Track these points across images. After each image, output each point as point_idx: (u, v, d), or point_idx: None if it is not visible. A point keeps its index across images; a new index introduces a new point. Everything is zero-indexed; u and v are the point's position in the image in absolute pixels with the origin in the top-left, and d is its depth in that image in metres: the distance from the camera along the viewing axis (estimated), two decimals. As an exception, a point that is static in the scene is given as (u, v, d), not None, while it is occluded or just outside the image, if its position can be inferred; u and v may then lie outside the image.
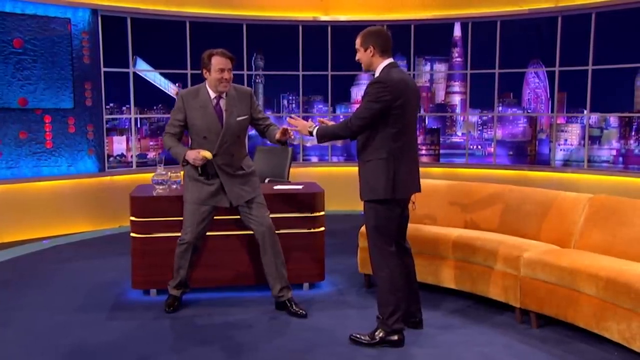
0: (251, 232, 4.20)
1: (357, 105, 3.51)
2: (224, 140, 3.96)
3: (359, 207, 3.75)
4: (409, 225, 3.80)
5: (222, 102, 3.99)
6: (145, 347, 3.58)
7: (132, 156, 7.81)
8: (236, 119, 4.01)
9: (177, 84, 8.35)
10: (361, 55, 3.52)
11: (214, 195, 4.02)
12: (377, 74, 3.47)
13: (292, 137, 3.99)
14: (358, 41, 3.52)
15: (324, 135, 3.58)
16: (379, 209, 3.47)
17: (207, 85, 3.99)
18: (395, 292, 3.50)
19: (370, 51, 3.46)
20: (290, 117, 3.79)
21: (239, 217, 4.17)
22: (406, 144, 3.45)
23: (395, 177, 3.41)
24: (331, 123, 3.72)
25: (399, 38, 8.42)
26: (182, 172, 4.79)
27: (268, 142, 4.26)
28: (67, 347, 3.58)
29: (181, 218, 4.20)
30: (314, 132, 3.59)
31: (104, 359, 3.43)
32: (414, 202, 3.70)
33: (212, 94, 3.97)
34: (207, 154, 3.87)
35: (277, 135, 3.97)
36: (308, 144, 9.26)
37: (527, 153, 8.78)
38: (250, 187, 4.08)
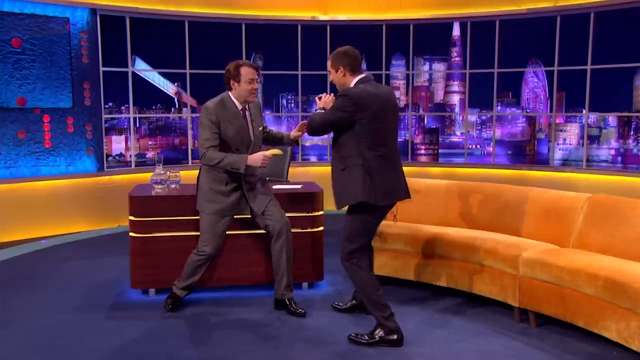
0: (254, 232, 4.20)
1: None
2: (253, 151, 3.98)
3: (358, 206, 3.75)
4: (408, 225, 3.83)
5: (248, 114, 4.03)
6: (144, 346, 3.58)
7: (130, 156, 7.81)
8: (259, 129, 4.08)
9: (176, 84, 8.35)
10: (333, 77, 3.65)
11: (236, 205, 4.03)
12: None
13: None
14: (328, 64, 3.67)
15: (316, 115, 3.68)
16: (363, 218, 3.53)
17: (232, 97, 3.97)
18: (376, 290, 3.55)
19: (341, 72, 3.59)
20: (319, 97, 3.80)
21: (241, 217, 4.17)
22: (385, 154, 3.52)
23: (372, 183, 3.47)
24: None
25: (398, 37, 8.42)
26: (180, 172, 4.80)
27: (267, 145, 4.29)
28: (65, 346, 3.58)
29: (180, 217, 4.20)
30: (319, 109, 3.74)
31: (102, 359, 3.43)
32: (395, 215, 3.77)
33: (239, 106, 3.98)
34: (276, 151, 3.90)
35: (295, 132, 4.06)
36: (307, 144, 9.26)
37: (526, 152, 8.79)
38: (266, 192, 4.14)
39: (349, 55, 3.60)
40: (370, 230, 3.63)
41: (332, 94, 3.76)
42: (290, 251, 4.11)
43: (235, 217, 4.15)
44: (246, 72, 3.90)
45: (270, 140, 4.26)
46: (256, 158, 3.83)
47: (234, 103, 3.97)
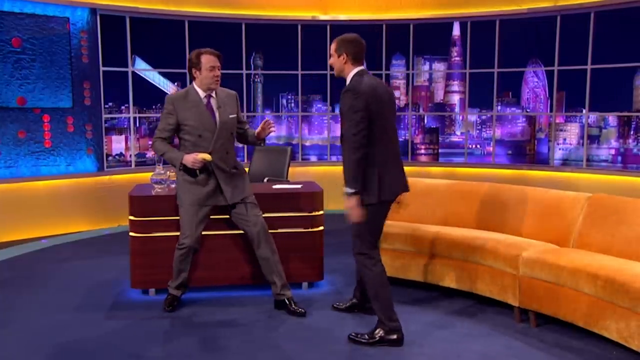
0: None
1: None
2: (219, 137, 4.00)
3: (357, 206, 3.76)
4: (408, 224, 3.84)
5: (213, 101, 4.03)
6: (143, 346, 3.58)
7: (130, 155, 7.80)
8: (229, 116, 4.06)
9: (176, 83, 8.35)
10: (334, 61, 3.60)
11: (212, 195, 4.04)
12: (347, 81, 3.55)
13: (274, 129, 4.11)
14: (333, 46, 3.60)
15: (351, 178, 3.39)
16: (370, 213, 3.49)
17: (195, 86, 4.01)
18: (386, 287, 3.55)
19: (344, 58, 3.55)
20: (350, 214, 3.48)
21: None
22: (387, 148, 3.51)
23: (381, 181, 3.46)
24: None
25: (398, 37, 8.42)
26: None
27: (242, 145, 4.30)
28: (65, 346, 3.58)
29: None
30: (348, 191, 3.39)
31: (102, 358, 3.43)
32: (398, 202, 3.72)
33: (202, 94, 4.00)
34: (207, 156, 3.88)
35: (258, 130, 4.09)
36: (307, 143, 9.25)
37: (526, 152, 8.79)
38: (244, 186, 4.13)
39: (355, 44, 3.55)
40: (379, 224, 3.58)
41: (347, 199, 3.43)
42: (275, 252, 4.12)
43: (225, 216, 4.16)
44: (207, 59, 3.93)
45: (241, 138, 4.27)
46: (188, 158, 3.89)
47: (197, 91, 4.00)
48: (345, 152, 3.44)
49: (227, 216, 4.20)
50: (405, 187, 3.68)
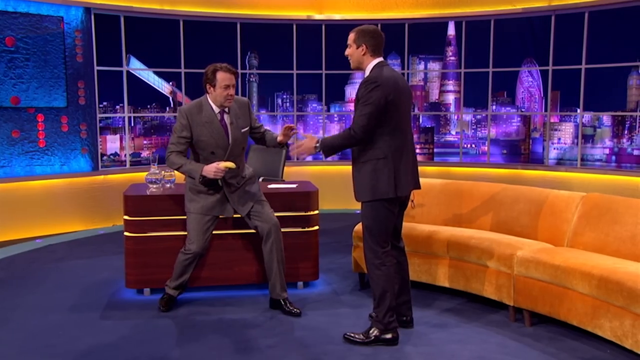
0: (248, 232, 4.20)
1: (352, 104, 3.52)
2: (231, 155, 3.96)
3: (353, 206, 3.76)
4: (404, 224, 3.83)
5: (226, 116, 3.99)
6: (139, 346, 3.57)
7: (125, 155, 7.78)
8: (241, 131, 4.02)
9: (171, 83, 8.32)
10: (352, 52, 3.52)
11: (219, 204, 4.03)
12: (367, 73, 3.49)
13: (296, 132, 4.02)
14: (351, 37, 3.51)
15: (330, 148, 3.52)
16: (379, 209, 3.46)
17: (209, 100, 3.96)
18: (391, 289, 3.51)
19: (362, 49, 3.47)
20: (295, 139, 3.73)
21: (237, 216, 4.17)
22: (403, 142, 3.47)
23: (396, 175, 3.42)
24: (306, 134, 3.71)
25: (393, 37, 8.42)
26: (175, 172, 4.78)
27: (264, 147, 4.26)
28: (60, 346, 3.57)
29: (175, 217, 4.19)
30: (318, 148, 3.52)
31: (97, 359, 3.42)
32: (412, 201, 3.69)
33: (216, 109, 3.95)
34: (229, 164, 3.83)
35: (279, 137, 4.00)
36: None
37: (520, 152, 8.79)
38: (252, 193, 4.11)
39: (375, 36, 3.47)
40: (391, 221, 3.51)
41: (309, 137, 3.56)
42: (281, 251, 4.11)
43: (225, 217, 4.15)
44: (222, 77, 3.85)
45: (259, 142, 4.23)
46: (209, 169, 3.81)
47: (211, 106, 3.95)
48: (344, 131, 3.46)
49: (227, 216, 4.17)
50: (417, 184, 3.64)
